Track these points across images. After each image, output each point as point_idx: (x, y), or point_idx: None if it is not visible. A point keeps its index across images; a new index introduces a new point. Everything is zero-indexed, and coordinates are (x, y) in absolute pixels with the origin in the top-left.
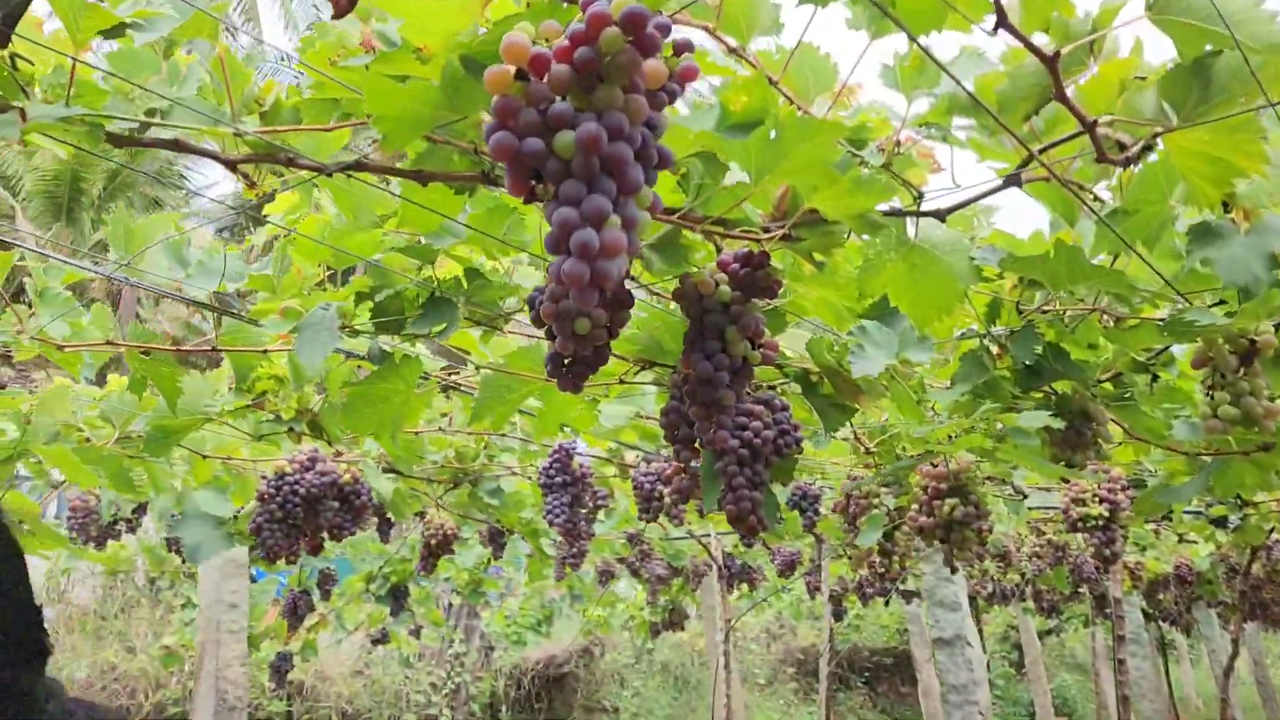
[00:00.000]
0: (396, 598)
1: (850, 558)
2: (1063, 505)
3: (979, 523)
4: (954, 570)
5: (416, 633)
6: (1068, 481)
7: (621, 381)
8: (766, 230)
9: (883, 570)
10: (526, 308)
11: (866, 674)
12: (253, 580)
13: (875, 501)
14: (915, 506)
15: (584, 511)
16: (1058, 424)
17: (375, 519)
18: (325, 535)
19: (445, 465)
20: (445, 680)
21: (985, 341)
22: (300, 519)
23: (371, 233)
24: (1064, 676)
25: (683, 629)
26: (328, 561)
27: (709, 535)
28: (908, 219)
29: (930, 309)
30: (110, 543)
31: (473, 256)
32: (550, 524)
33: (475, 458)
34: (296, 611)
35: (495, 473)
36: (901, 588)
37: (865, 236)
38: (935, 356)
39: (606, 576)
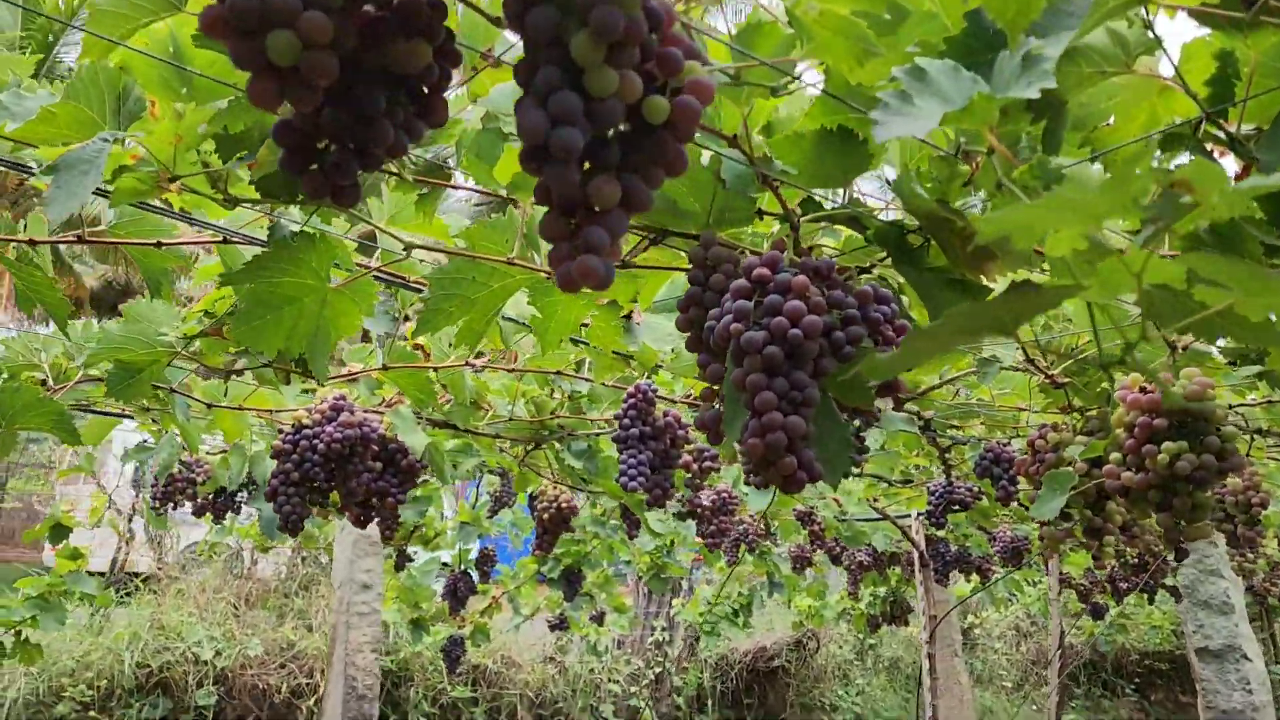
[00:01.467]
0: (570, 581)
1: (1041, 539)
2: None
3: (1224, 484)
4: (1179, 556)
5: (599, 619)
6: None
7: (624, 265)
8: None
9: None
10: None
11: (1137, 680)
12: (409, 560)
13: (1065, 455)
14: (1117, 456)
15: (673, 472)
16: None
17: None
18: (373, 503)
19: (515, 420)
20: (645, 670)
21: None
22: (323, 481)
23: None
24: None
25: (906, 623)
26: (487, 540)
27: (907, 515)
28: None
29: None
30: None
31: None
32: (626, 488)
33: (554, 409)
34: (457, 594)
35: (587, 430)
36: (1170, 582)
37: None
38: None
39: (801, 563)
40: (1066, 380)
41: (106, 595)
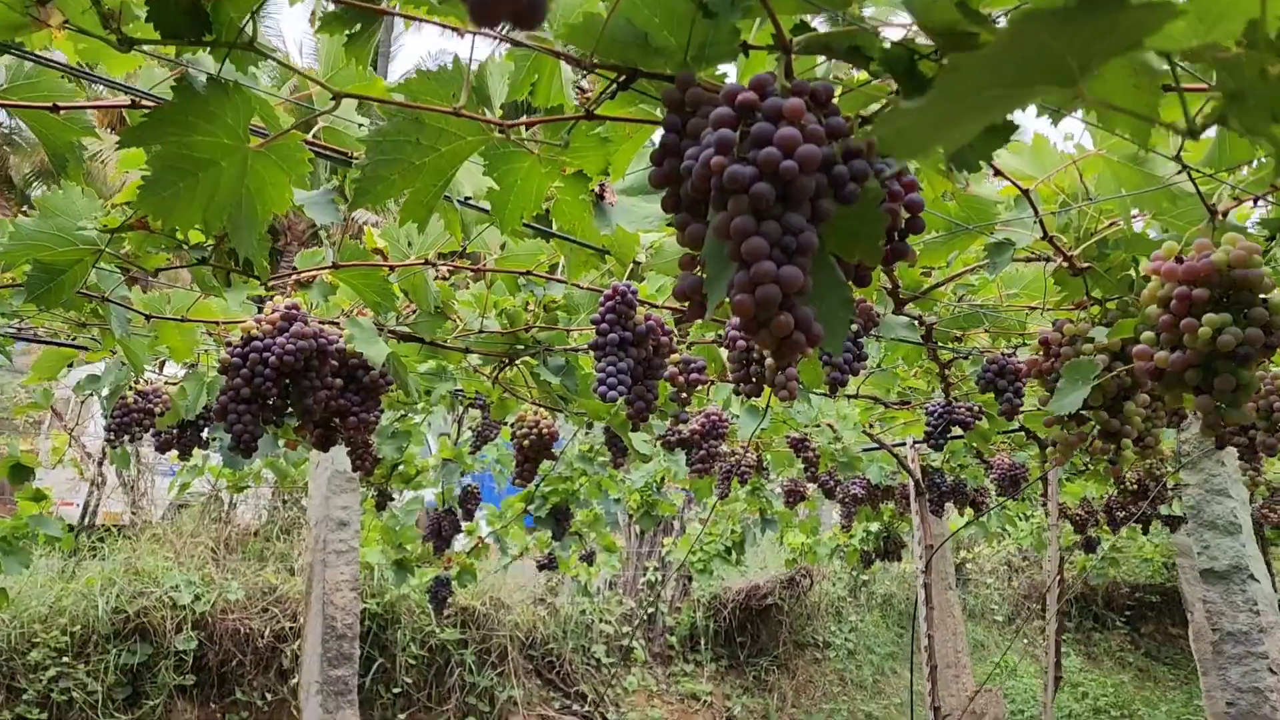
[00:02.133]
0: (559, 520)
1: (1054, 444)
2: None
3: (1264, 362)
4: (1221, 445)
5: (589, 558)
6: None
7: (590, 115)
8: None
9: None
10: None
11: (1128, 613)
12: (390, 499)
13: (1084, 347)
14: (1149, 335)
15: (656, 384)
16: None
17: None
18: (335, 423)
19: (486, 334)
20: (637, 611)
21: None
22: (277, 398)
23: None
24: None
25: (899, 559)
26: (470, 477)
27: (903, 444)
28: None
29: None
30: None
31: None
32: (604, 398)
33: (529, 321)
34: (441, 533)
35: (564, 344)
36: (1165, 512)
37: None
38: None
39: (794, 497)
40: (1086, 265)
41: (70, 538)
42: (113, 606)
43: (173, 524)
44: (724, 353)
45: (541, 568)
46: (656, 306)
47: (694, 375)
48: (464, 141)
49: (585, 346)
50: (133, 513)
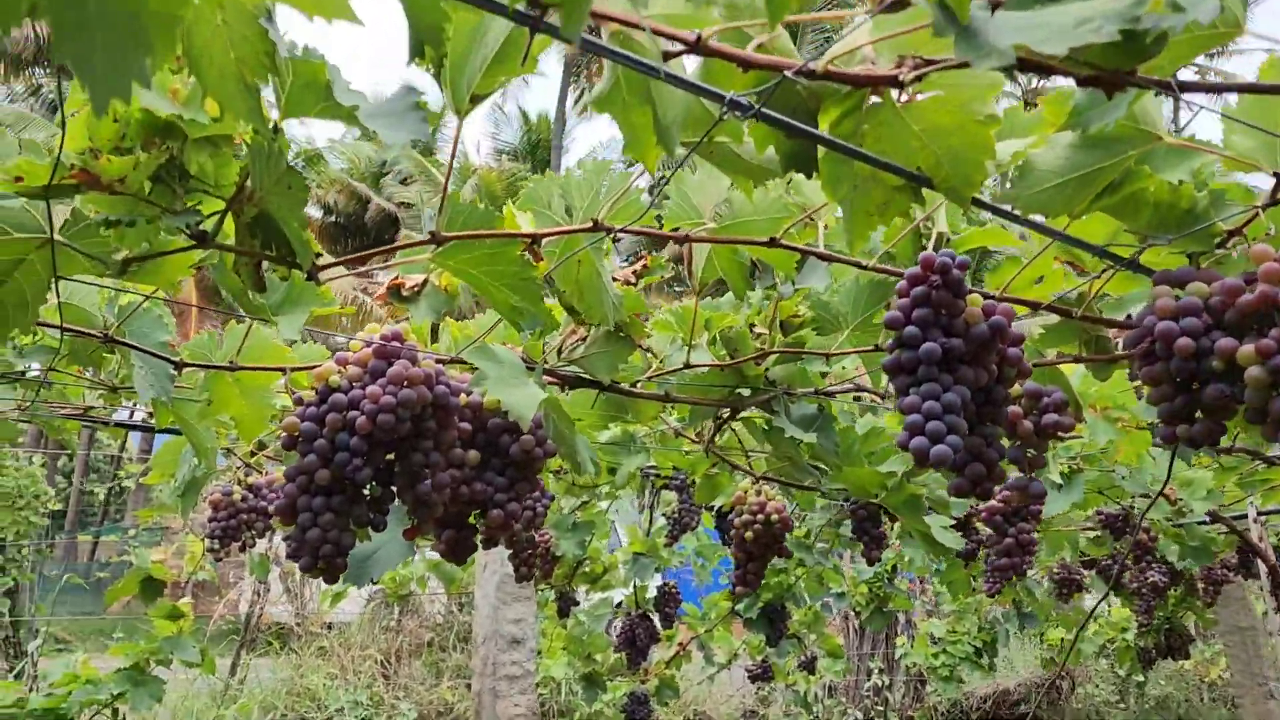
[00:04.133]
0: (772, 621)
1: None
2: None
3: None
4: None
5: (810, 665)
6: None
7: None
8: None
9: None
10: None
11: None
12: (573, 604)
13: None
14: None
15: (999, 430)
16: None
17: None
18: (469, 521)
19: (694, 371)
20: None
21: None
22: (374, 481)
23: None
24: None
25: (1186, 655)
26: (667, 574)
27: (1245, 516)
28: None
29: None
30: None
31: None
32: (919, 455)
33: (761, 345)
34: (635, 642)
35: (816, 384)
36: None
37: None
38: None
39: (1068, 587)
40: None
41: (212, 662)
42: None
43: (340, 634)
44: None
45: (754, 678)
46: (990, 296)
47: (1050, 418)
48: None
49: (842, 385)
50: (296, 622)
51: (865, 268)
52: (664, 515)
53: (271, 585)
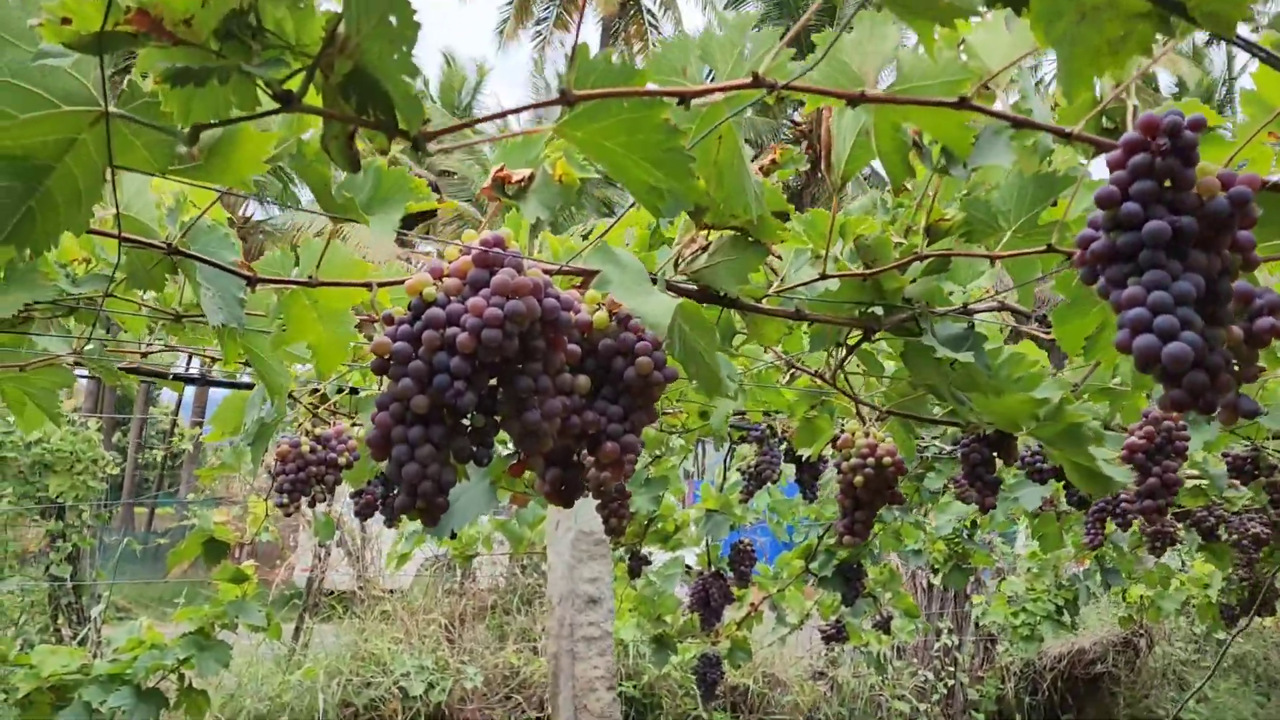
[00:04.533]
0: (849, 579)
1: None
2: None
3: None
4: None
5: (885, 625)
6: None
7: None
8: None
9: None
10: None
11: None
12: (645, 563)
13: None
14: None
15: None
16: None
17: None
18: (577, 456)
19: (826, 285)
20: (933, 682)
21: None
22: (476, 409)
23: None
24: None
25: (1272, 612)
26: (740, 533)
27: None
28: None
29: None
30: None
31: None
32: (1140, 354)
33: (907, 250)
34: (709, 602)
35: (958, 302)
36: None
37: None
38: None
39: (1161, 539)
40: None
41: (277, 627)
42: (339, 699)
43: (403, 598)
44: None
45: (827, 639)
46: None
47: (1267, 320)
48: None
49: (985, 304)
50: (359, 586)
51: (1069, 135)
52: (739, 469)
53: (331, 549)
